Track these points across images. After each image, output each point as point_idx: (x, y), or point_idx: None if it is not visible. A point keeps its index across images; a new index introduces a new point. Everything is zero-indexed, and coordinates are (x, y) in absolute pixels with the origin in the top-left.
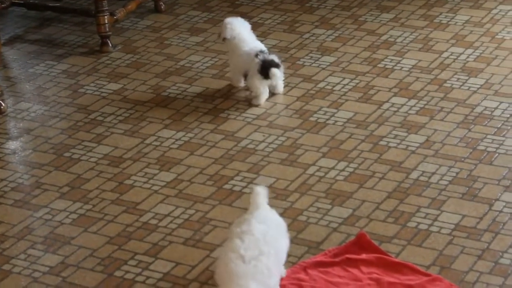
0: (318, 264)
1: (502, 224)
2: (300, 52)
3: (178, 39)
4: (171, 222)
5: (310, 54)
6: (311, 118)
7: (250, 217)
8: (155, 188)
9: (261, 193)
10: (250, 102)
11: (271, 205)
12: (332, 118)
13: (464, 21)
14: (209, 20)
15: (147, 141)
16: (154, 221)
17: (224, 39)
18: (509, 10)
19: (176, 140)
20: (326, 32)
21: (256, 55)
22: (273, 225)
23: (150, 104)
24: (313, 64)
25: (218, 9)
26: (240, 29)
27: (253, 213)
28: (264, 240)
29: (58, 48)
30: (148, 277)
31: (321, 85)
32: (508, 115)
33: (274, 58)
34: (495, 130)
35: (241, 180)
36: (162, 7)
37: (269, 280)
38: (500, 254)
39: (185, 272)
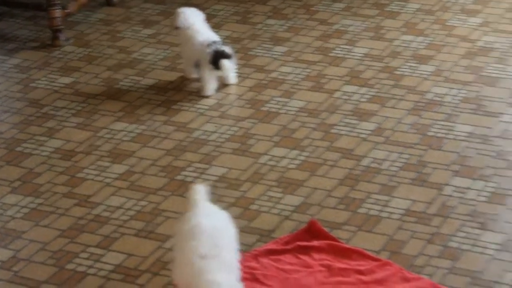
0: (269, 252)
1: (451, 208)
2: (253, 43)
3: (131, 31)
4: (123, 214)
5: (263, 45)
6: (263, 108)
7: (194, 214)
8: (107, 180)
9: (201, 191)
10: (199, 92)
11: (223, 195)
12: (284, 108)
13: (415, 9)
14: (162, 12)
15: (99, 134)
16: (106, 214)
17: (177, 28)
18: None
19: (129, 132)
20: (278, 22)
21: (208, 46)
22: (219, 218)
23: (102, 97)
24: (266, 54)
25: (171, 1)
26: (193, 19)
27: (196, 210)
28: (216, 234)
29: (10, 43)
30: (100, 269)
31: (273, 75)
32: (458, 101)
33: (226, 49)
34: (445, 116)
35: (193, 171)
36: (115, 0)
37: (233, 273)
38: (449, 237)
39: (137, 263)
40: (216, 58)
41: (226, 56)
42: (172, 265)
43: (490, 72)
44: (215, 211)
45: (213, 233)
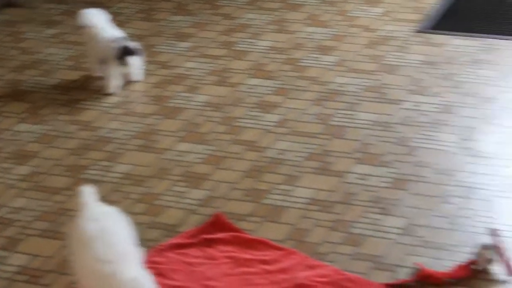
0: (175, 246)
1: (353, 195)
2: (157, 39)
3: (34, 32)
4: (27, 215)
5: (167, 41)
6: (168, 104)
7: (82, 219)
8: (10, 182)
9: (86, 192)
10: (102, 90)
11: (129, 191)
12: (189, 103)
13: (318, 1)
14: (65, 12)
15: (3, 136)
16: (10, 215)
17: (81, 27)
18: None
19: (32, 133)
20: (183, 19)
21: (114, 42)
22: (108, 217)
23: (5, 99)
24: (170, 51)
25: (73, 1)
26: (97, 17)
27: (83, 215)
28: (108, 235)
29: None
30: (4, 272)
31: (178, 70)
32: (360, 90)
33: (131, 45)
34: (348, 105)
35: (98, 169)
36: (18, 1)
37: (138, 265)
38: (352, 224)
39: (42, 263)
40: (123, 54)
41: (132, 51)
42: (77, 278)
43: (390, 61)
44: (104, 210)
45: (104, 235)
